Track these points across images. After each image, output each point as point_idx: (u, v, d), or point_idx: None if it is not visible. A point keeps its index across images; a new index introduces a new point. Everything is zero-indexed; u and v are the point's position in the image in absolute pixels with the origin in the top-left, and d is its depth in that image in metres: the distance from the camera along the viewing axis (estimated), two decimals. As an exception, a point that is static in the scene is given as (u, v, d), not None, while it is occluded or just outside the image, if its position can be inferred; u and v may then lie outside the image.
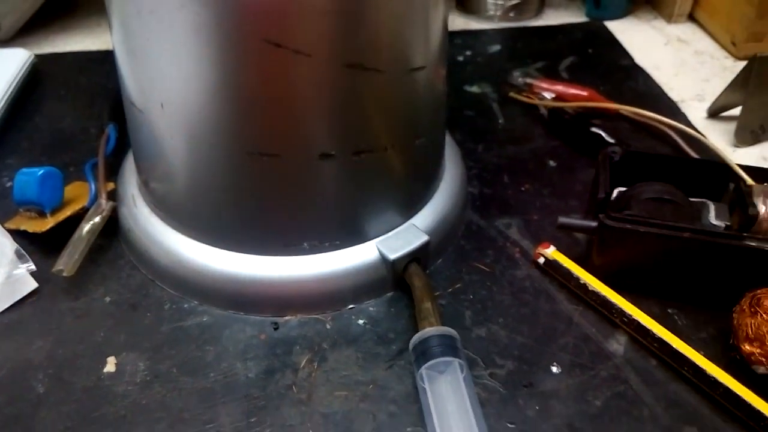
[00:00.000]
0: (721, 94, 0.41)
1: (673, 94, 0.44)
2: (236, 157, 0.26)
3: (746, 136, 0.40)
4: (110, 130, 0.36)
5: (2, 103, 0.39)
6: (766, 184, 0.29)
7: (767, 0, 0.45)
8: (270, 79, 0.23)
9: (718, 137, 0.41)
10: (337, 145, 0.26)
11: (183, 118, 0.25)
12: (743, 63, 0.47)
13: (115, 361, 0.27)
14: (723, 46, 0.50)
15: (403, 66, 0.25)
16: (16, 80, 0.41)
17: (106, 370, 0.27)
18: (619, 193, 0.31)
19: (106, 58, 0.46)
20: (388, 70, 0.25)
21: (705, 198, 0.31)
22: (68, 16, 0.52)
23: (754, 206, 0.28)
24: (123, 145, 0.36)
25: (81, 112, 0.41)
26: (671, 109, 0.42)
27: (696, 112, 0.43)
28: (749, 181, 0.30)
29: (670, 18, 0.53)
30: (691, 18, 0.53)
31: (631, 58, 0.47)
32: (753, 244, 0.27)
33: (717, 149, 0.36)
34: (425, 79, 0.27)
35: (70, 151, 0.38)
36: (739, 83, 0.40)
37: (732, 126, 0.40)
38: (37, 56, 0.45)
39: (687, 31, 0.52)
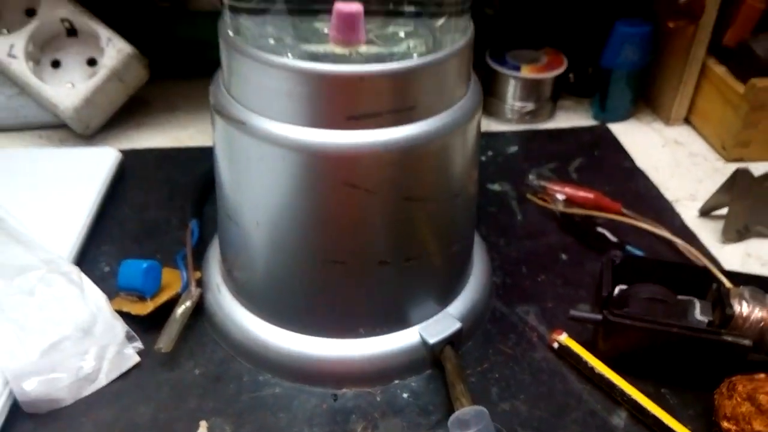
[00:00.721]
0: (710, 197, 0.48)
1: (669, 194, 0.51)
2: (311, 263, 0.33)
3: (732, 234, 0.46)
4: (193, 225, 0.43)
5: (98, 197, 0.47)
6: (741, 287, 0.35)
7: (752, 112, 0.53)
8: (345, 210, 0.31)
9: (709, 234, 0.47)
10: (392, 254, 0.33)
11: (272, 234, 0.32)
12: (733, 165, 0.54)
13: (206, 425, 0.33)
14: (715, 149, 0.56)
15: (445, 195, 0.33)
16: (108, 177, 0.49)
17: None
18: (620, 291, 0.38)
19: (178, 155, 0.54)
20: (434, 199, 0.32)
21: (692, 295, 0.37)
22: (142, 113, 0.60)
23: (731, 307, 0.34)
24: (204, 236, 0.43)
25: (162, 204, 0.48)
26: (666, 208, 0.49)
27: (689, 211, 0.49)
28: (727, 284, 0.36)
29: (668, 121, 0.60)
30: (687, 121, 0.60)
31: (632, 161, 0.54)
32: (729, 339, 0.33)
33: (705, 247, 0.42)
34: (462, 202, 0.34)
35: (155, 238, 0.45)
36: (726, 188, 0.47)
37: (721, 224, 0.47)
38: (119, 151, 0.53)
39: (683, 133, 0.59)
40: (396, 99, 0.29)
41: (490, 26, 0.62)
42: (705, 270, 0.37)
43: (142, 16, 0.62)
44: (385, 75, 0.29)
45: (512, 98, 0.59)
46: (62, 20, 0.54)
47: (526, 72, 0.57)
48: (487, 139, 0.57)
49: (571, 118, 0.61)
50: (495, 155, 0.55)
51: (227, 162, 0.33)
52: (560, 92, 0.61)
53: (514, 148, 0.56)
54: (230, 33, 0.32)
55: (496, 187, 0.51)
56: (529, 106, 0.59)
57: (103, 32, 0.54)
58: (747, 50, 0.53)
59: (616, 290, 0.38)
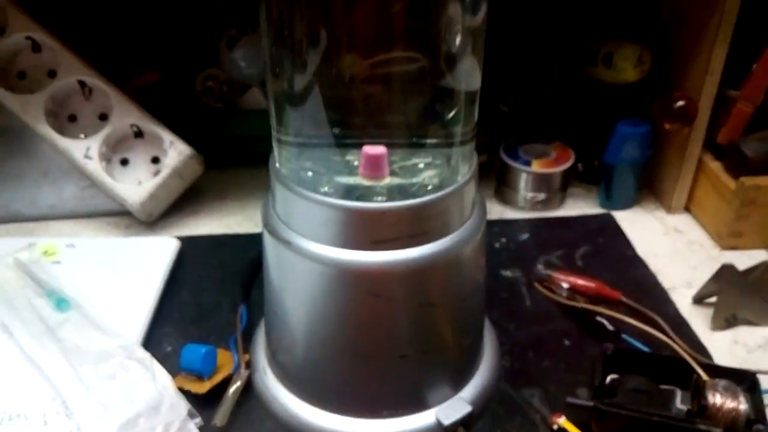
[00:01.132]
0: (702, 287, 0.53)
1: (666, 281, 0.56)
2: (343, 357, 0.39)
3: (721, 322, 0.51)
4: (242, 310, 0.50)
5: (161, 283, 0.54)
6: (717, 379, 0.41)
7: (743, 207, 0.58)
8: (371, 314, 0.37)
9: (700, 321, 0.52)
10: (411, 349, 0.39)
11: (311, 330, 0.39)
12: (728, 252, 0.59)
13: (254, 493, 0.39)
14: (711, 237, 0.62)
15: (455, 300, 0.39)
16: (169, 264, 0.57)
17: (248, 498, 0.39)
18: (611, 379, 0.43)
19: (228, 241, 0.62)
20: (445, 305, 0.38)
21: (676, 384, 0.42)
22: (197, 201, 0.68)
23: (705, 398, 0.39)
24: (251, 319, 0.50)
25: (215, 288, 0.55)
26: (662, 296, 0.54)
27: (683, 299, 0.54)
28: (704, 376, 0.41)
29: (669, 209, 0.65)
30: (688, 209, 0.66)
31: (633, 249, 0.60)
32: (702, 427, 0.38)
33: (695, 334, 0.47)
34: (470, 304, 0.41)
35: (210, 320, 0.52)
36: (715, 279, 0.52)
37: (712, 311, 0.52)
38: (177, 238, 0.61)
39: (684, 221, 0.64)
40: (411, 227, 0.36)
41: (505, 122, 0.70)
42: (686, 363, 0.43)
43: (200, 116, 0.71)
44: (401, 209, 0.36)
45: (524, 189, 0.65)
46: (131, 125, 0.63)
47: (537, 167, 0.64)
48: (501, 226, 0.63)
49: (579, 206, 0.67)
50: (508, 242, 0.61)
51: (275, 270, 0.40)
52: (569, 181, 0.67)
53: (525, 236, 0.62)
54: (278, 166, 0.39)
55: (508, 273, 0.57)
56: (540, 196, 0.65)
57: (166, 135, 0.63)
58: (737, 150, 0.59)
59: (608, 379, 0.43)
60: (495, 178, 0.68)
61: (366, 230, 0.36)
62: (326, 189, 0.38)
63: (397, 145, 0.40)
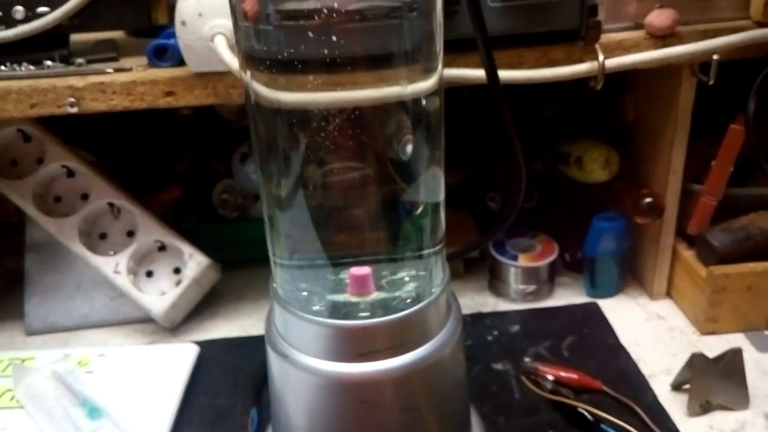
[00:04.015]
0: (678, 373, 0.57)
1: (647, 369, 0.60)
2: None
3: (696, 408, 0.55)
4: (253, 413, 0.55)
5: (181, 389, 0.60)
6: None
7: (714, 295, 0.62)
8: (358, 418, 0.42)
9: (678, 407, 0.55)
10: (398, 448, 0.44)
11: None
12: (707, 338, 0.63)
13: None
14: (691, 323, 0.66)
15: (436, 404, 0.44)
16: (189, 369, 0.62)
17: None
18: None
19: (243, 343, 0.68)
20: (426, 408, 0.43)
21: (646, 471, 0.46)
22: (214, 304, 0.74)
23: (669, 485, 0.43)
24: (263, 418, 0.55)
25: (231, 390, 0.60)
26: (642, 383, 0.58)
27: (663, 385, 0.58)
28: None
29: (652, 296, 0.70)
30: (669, 295, 0.70)
31: (617, 338, 0.64)
32: None
33: (672, 420, 0.51)
34: (454, 404, 0.45)
35: (225, 423, 0.57)
36: (688, 367, 0.56)
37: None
38: (196, 342, 0.67)
39: (665, 307, 0.69)
40: (391, 340, 0.42)
41: (494, 218, 0.75)
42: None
43: (218, 225, 0.78)
44: (382, 324, 0.41)
45: (514, 282, 0.70)
46: (155, 240, 0.71)
47: (523, 261, 0.69)
48: (493, 318, 0.68)
49: (568, 295, 0.72)
50: (499, 335, 0.66)
51: (278, 380, 0.46)
52: (557, 271, 0.72)
53: (516, 327, 0.67)
54: (275, 286, 0.46)
55: (499, 366, 0.61)
56: (530, 288, 0.70)
57: (186, 248, 0.70)
58: (705, 241, 0.63)
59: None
60: (488, 271, 0.74)
61: (351, 344, 0.41)
62: (318, 307, 0.44)
63: (383, 260, 0.46)
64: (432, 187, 0.46)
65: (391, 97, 0.42)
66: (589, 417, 0.53)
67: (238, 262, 0.77)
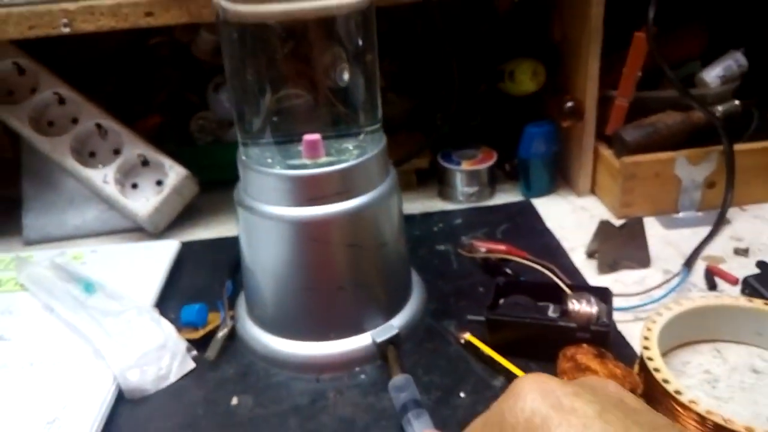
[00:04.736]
0: (590, 242, 0.67)
1: (567, 244, 0.70)
2: (294, 291, 0.53)
3: (605, 268, 0.65)
4: (228, 283, 0.64)
5: (166, 271, 0.69)
6: (577, 292, 0.54)
7: (626, 182, 0.72)
8: (312, 255, 0.51)
9: (591, 270, 0.65)
10: (346, 282, 0.53)
11: (272, 273, 0.53)
12: (623, 221, 0.73)
13: (237, 399, 0.53)
14: (609, 210, 0.76)
15: (376, 243, 0.53)
16: (173, 258, 0.71)
17: (232, 403, 0.52)
18: (501, 302, 0.56)
19: (219, 243, 0.76)
20: (368, 247, 0.53)
21: (550, 302, 0.56)
22: (194, 217, 0.82)
23: (566, 305, 0.53)
24: (235, 293, 0.64)
25: (209, 275, 0.69)
26: (562, 254, 0.68)
27: (580, 255, 0.68)
28: (568, 291, 0.55)
29: (578, 193, 0.80)
30: (593, 192, 0.80)
31: (544, 224, 0.74)
32: (562, 323, 0.52)
33: (584, 278, 0.61)
34: (390, 249, 0.55)
35: (204, 296, 0.65)
36: (597, 234, 0.66)
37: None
38: (180, 242, 0.76)
39: (589, 202, 0.79)
40: (337, 187, 0.51)
41: (443, 137, 0.85)
42: (558, 286, 0.56)
43: (195, 150, 0.87)
44: (328, 173, 0.51)
45: (459, 185, 0.80)
46: (138, 155, 0.79)
47: (465, 165, 0.79)
48: (440, 215, 0.78)
49: (506, 197, 0.81)
50: (444, 227, 0.75)
51: (245, 234, 0.55)
52: (497, 178, 0.82)
53: (459, 221, 0.76)
54: (243, 157, 0.55)
55: (441, 247, 0.71)
56: (472, 189, 0.80)
57: (166, 161, 0.79)
58: (619, 137, 0.73)
59: (500, 302, 0.57)
60: (437, 181, 0.83)
61: (303, 191, 0.51)
62: (278, 170, 0.53)
63: (332, 136, 0.55)
64: (363, 87, 0.55)
65: (326, 8, 0.51)
66: (510, 272, 0.63)
67: (214, 183, 0.86)
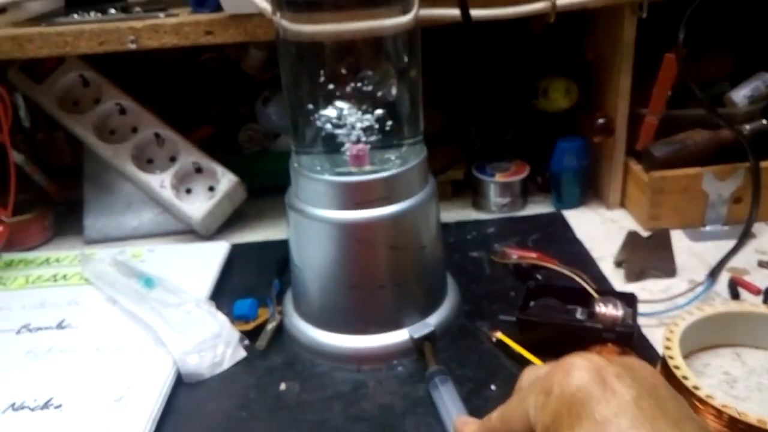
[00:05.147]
0: (618, 252, 0.70)
1: (596, 254, 0.73)
2: (339, 289, 0.58)
3: (632, 276, 0.68)
4: (276, 282, 0.69)
5: (218, 271, 0.74)
6: (603, 297, 0.57)
7: (656, 194, 0.75)
8: (357, 255, 0.56)
9: (619, 278, 0.68)
10: (387, 281, 0.57)
11: (319, 272, 0.58)
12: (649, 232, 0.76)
13: (285, 385, 0.57)
14: (638, 222, 0.79)
15: (415, 246, 0.58)
16: (224, 259, 0.77)
17: (281, 389, 0.57)
18: (532, 304, 0.60)
19: (266, 245, 0.81)
20: (408, 249, 0.57)
21: (578, 305, 0.59)
22: (242, 222, 0.88)
23: (594, 308, 0.56)
24: (282, 290, 0.69)
25: (257, 275, 0.74)
26: (591, 263, 0.71)
27: (608, 264, 0.71)
28: (595, 295, 0.58)
29: (608, 206, 0.83)
30: (623, 206, 0.83)
31: (574, 234, 0.78)
32: (589, 325, 0.55)
33: (612, 286, 0.64)
34: (428, 251, 0.59)
35: (253, 293, 0.70)
36: (625, 244, 0.69)
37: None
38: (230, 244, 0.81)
39: (619, 214, 0.82)
40: (381, 193, 0.55)
41: (478, 150, 0.89)
42: (586, 290, 0.60)
43: (243, 159, 0.93)
44: (373, 180, 0.55)
45: (493, 196, 0.84)
46: (193, 163, 0.85)
47: (499, 177, 0.83)
48: (473, 225, 0.82)
49: (538, 208, 0.85)
50: (477, 235, 0.79)
51: (295, 235, 0.60)
52: (529, 190, 0.86)
53: (492, 230, 0.80)
54: (295, 165, 0.60)
55: (474, 254, 0.75)
56: (505, 200, 0.84)
57: (219, 169, 0.84)
58: (648, 153, 0.77)
59: (531, 304, 0.60)
60: (471, 191, 0.87)
61: (350, 197, 0.55)
62: (328, 176, 0.58)
63: (377, 147, 0.60)
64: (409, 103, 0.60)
65: (375, 29, 0.56)
66: (541, 279, 0.66)
67: (260, 190, 0.91)
